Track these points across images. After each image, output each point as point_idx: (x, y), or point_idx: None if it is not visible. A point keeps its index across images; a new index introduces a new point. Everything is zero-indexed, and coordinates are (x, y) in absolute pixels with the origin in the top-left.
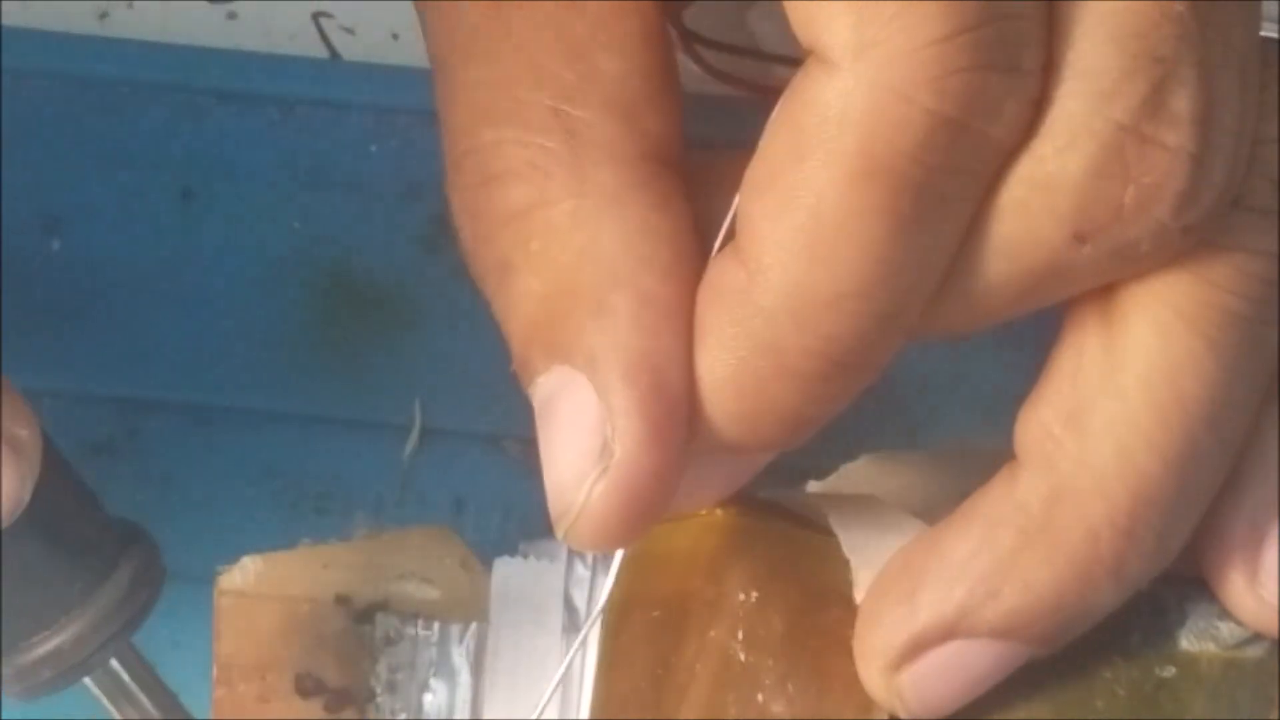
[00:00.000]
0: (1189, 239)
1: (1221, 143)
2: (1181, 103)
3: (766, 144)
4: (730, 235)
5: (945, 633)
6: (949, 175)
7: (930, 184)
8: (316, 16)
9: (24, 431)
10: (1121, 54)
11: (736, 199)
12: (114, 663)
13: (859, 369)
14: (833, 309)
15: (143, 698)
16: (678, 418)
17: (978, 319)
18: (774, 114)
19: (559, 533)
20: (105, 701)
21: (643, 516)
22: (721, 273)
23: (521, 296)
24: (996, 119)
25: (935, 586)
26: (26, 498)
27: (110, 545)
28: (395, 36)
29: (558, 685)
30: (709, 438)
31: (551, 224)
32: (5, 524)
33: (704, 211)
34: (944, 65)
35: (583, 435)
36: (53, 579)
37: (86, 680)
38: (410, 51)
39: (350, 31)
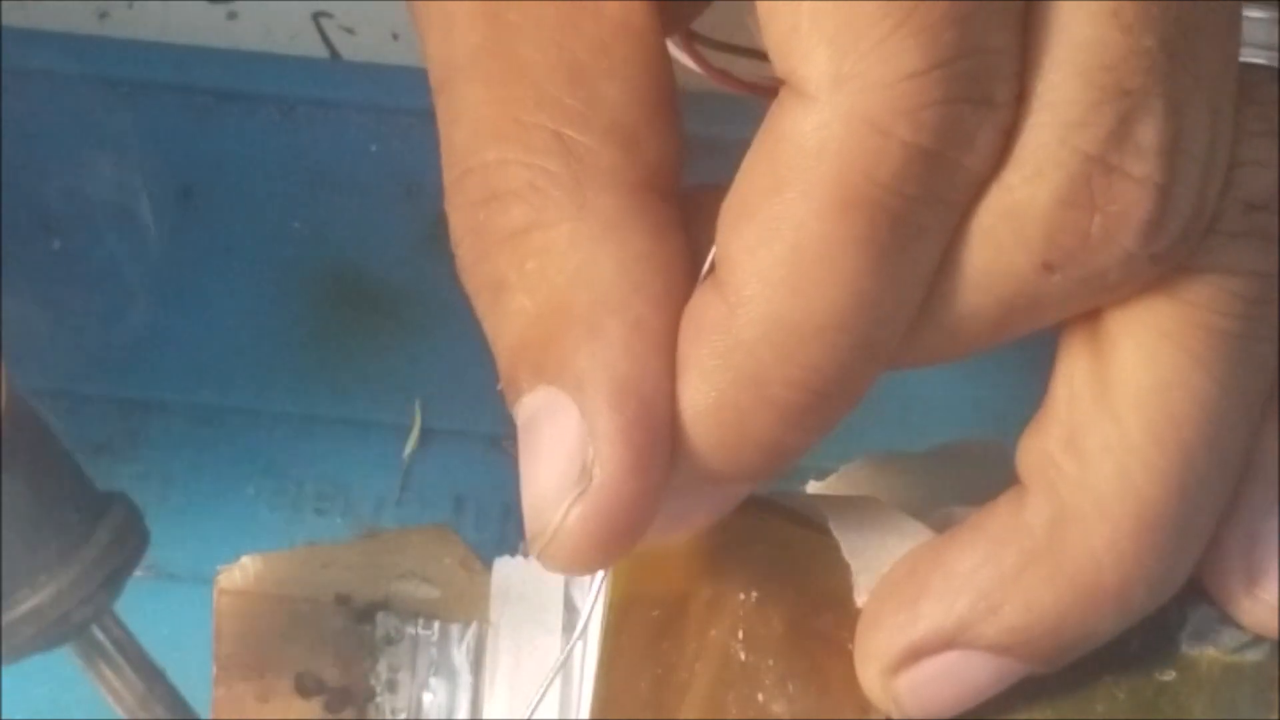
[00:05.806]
0: (1158, 267)
1: (1189, 172)
2: (1148, 134)
3: (743, 177)
4: (713, 268)
5: (944, 642)
6: (926, 205)
7: (908, 214)
8: (316, 16)
9: None
10: (1089, 86)
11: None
12: (96, 631)
13: (839, 399)
14: (814, 340)
15: (126, 667)
16: (660, 446)
17: (954, 348)
18: (751, 148)
19: (533, 552)
20: (87, 670)
21: (618, 542)
22: (702, 305)
23: (513, 315)
24: (971, 150)
25: (937, 596)
26: None
27: (89, 505)
28: (395, 36)
29: (550, 683)
30: (690, 468)
31: (549, 245)
32: None
33: (692, 243)
34: (920, 98)
35: (563, 457)
36: (31, 533)
37: (73, 653)
38: (410, 51)
39: (350, 31)
